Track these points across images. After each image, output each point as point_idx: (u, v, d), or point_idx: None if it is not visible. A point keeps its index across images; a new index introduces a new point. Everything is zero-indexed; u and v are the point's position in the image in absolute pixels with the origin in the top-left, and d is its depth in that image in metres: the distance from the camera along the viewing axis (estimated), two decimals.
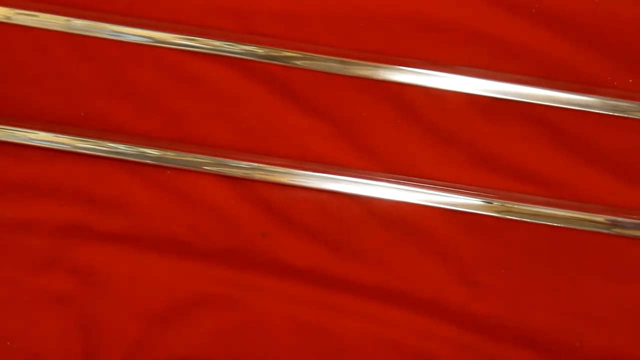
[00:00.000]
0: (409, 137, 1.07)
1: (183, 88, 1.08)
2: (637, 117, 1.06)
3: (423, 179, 1.05)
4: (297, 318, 1.02)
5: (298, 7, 1.09)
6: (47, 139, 1.04)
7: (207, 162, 1.04)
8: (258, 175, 1.04)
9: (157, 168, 1.05)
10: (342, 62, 1.07)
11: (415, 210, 1.05)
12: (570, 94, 1.07)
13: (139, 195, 1.05)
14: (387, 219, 1.05)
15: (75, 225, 1.03)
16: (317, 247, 1.04)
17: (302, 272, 1.03)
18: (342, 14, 1.09)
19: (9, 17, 1.08)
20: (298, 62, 1.07)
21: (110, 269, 1.02)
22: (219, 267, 1.03)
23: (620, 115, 1.06)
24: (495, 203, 1.04)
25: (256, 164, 1.04)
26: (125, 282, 1.02)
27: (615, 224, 1.04)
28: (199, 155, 1.04)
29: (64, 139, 1.04)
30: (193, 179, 1.05)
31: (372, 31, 1.09)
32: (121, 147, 1.04)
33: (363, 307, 1.02)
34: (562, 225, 1.04)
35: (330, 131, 1.06)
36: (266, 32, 1.09)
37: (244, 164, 1.04)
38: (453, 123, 1.07)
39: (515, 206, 1.04)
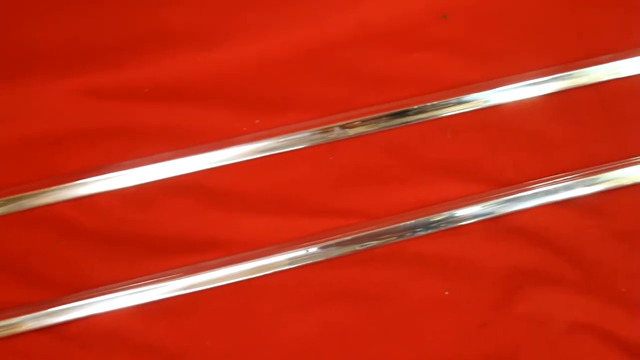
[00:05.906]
0: (75, 252, 1.06)
1: None
2: (279, 151, 1.10)
3: (101, 287, 1.05)
4: None
5: None
6: None
7: None
8: None
9: None
10: None
11: (106, 318, 1.04)
12: (212, 152, 1.09)
13: None
14: (82, 339, 1.04)
15: None
16: None
17: None
18: None
19: None
20: None
21: None
22: None
23: (264, 155, 1.10)
24: (173, 285, 1.05)
25: None
26: None
27: (293, 260, 1.07)
28: None
29: None
30: None
31: (9, 159, 1.10)
32: None
33: None
34: (249, 277, 1.06)
35: None
36: None
37: None
38: (112, 222, 1.08)
39: (192, 280, 1.05)
